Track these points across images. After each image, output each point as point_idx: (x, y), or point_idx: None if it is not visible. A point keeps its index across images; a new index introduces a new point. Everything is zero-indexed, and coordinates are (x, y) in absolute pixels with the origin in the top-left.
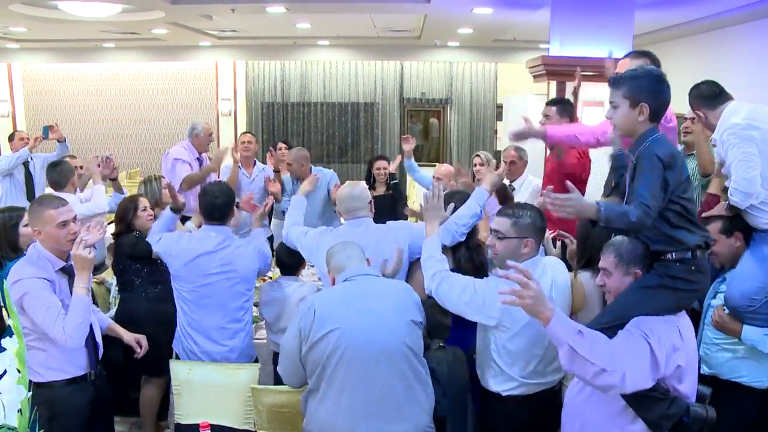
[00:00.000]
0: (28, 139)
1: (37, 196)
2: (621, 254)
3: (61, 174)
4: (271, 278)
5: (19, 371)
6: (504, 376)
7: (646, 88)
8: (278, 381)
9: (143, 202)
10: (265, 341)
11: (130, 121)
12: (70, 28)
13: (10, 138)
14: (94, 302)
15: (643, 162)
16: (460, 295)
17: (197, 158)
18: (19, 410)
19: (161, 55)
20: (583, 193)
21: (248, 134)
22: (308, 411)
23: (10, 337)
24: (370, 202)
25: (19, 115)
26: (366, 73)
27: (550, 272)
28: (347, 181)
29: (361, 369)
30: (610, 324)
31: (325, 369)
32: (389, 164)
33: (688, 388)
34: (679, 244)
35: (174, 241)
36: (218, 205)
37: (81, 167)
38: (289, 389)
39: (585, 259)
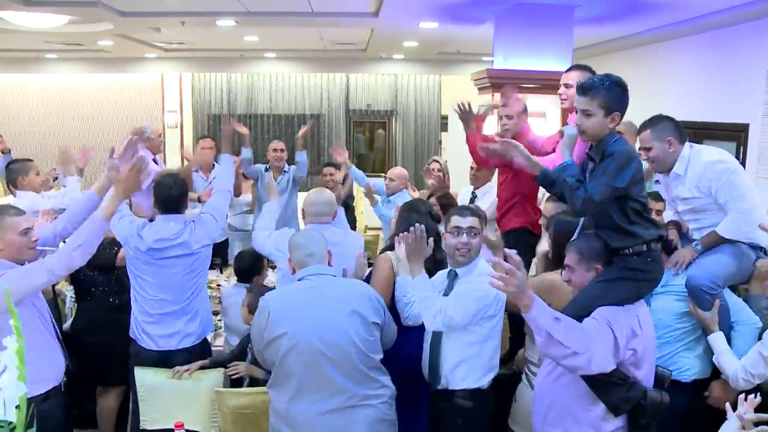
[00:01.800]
0: None
1: None
2: (582, 252)
3: (13, 172)
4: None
5: (18, 369)
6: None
7: (618, 98)
8: (234, 386)
9: None
10: (223, 348)
11: (76, 133)
12: (11, 37)
13: None
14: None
15: (611, 157)
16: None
17: (153, 160)
18: (17, 406)
19: (106, 67)
20: (534, 193)
21: (209, 139)
22: (272, 400)
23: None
24: (335, 211)
25: None
26: (312, 85)
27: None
28: (316, 188)
29: (312, 369)
30: (576, 315)
31: (279, 367)
32: (337, 171)
33: (645, 374)
34: (635, 239)
35: (136, 229)
36: (174, 196)
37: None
38: (252, 391)
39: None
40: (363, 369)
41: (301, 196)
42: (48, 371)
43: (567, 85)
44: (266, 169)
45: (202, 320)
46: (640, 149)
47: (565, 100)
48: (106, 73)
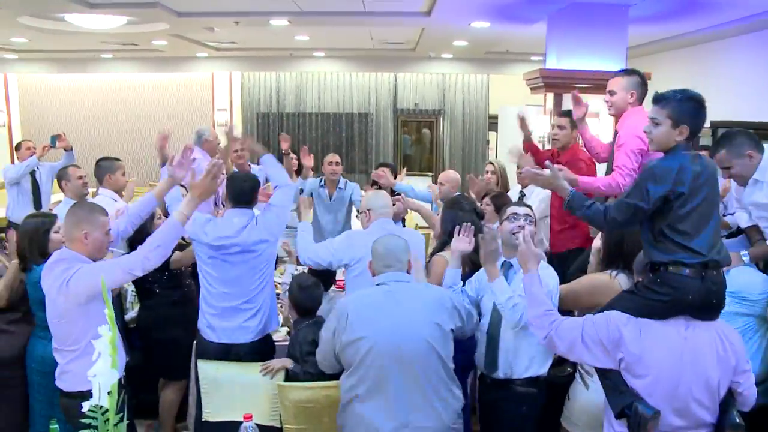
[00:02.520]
0: (34, 148)
1: (43, 204)
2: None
3: (102, 169)
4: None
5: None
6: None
7: (688, 112)
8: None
9: (158, 211)
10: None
11: (126, 132)
12: (71, 38)
13: (17, 147)
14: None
15: (640, 173)
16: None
17: None
18: (109, 392)
19: (158, 66)
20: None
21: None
22: (343, 398)
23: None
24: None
25: (15, 125)
26: (360, 84)
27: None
28: (372, 190)
29: (388, 373)
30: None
31: (357, 370)
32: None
33: (643, 388)
34: (656, 256)
35: (200, 225)
36: (246, 190)
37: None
38: (315, 385)
39: (620, 262)
40: (439, 376)
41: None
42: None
43: (611, 92)
44: (321, 184)
45: (265, 316)
46: (722, 169)
47: (611, 107)
48: (159, 72)
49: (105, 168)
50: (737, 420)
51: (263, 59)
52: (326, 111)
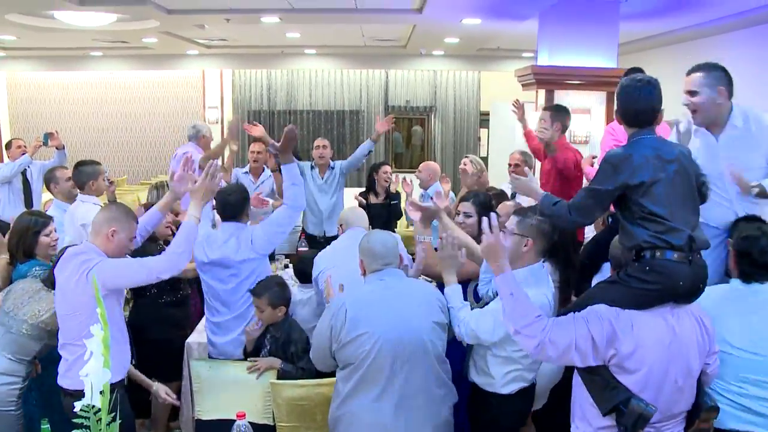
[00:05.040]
0: (25, 147)
1: (34, 203)
2: (614, 256)
3: (83, 175)
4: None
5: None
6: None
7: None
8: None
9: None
10: None
11: (117, 129)
12: (60, 36)
13: (8, 146)
14: None
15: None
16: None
17: None
18: (101, 392)
19: (148, 64)
20: (575, 190)
21: (259, 143)
22: (334, 407)
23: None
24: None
25: (3, 122)
26: (351, 82)
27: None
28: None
29: (390, 369)
30: (573, 310)
31: (357, 369)
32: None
33: (634, 383)
34: (629, 237)
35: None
36: (230, 202)
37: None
38: (308, 383)
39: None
40: (438, 370)
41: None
42: (119, 363)
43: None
44: (312, 167)
45: None
46: (684, 92)
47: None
48: (149, 70)
49: (88, 174)
50: (710, 402)
51: (254, 57)
52: (317, 108)
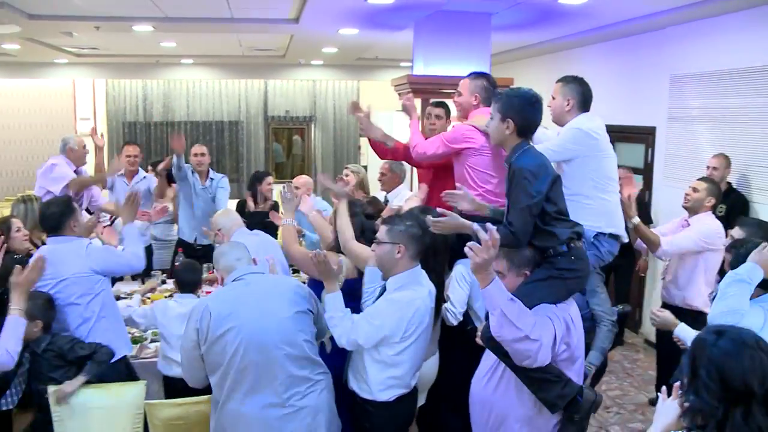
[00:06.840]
0: None
1: None
2: (511, 259)
3: None
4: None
5: None
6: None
7: (513, 107)
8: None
9: (16, 222)
10: (149, 360)
11: None
12: None
13: None
14: None
15: (516, 178)
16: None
17: (75, 171)
18: None
19: (11, 72)
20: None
21: (135, 146)
22: (215, 417)
23: None
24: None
25: None
26: (230, 92)
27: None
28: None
29: (261, 360)
30: None
31: (228, 369)
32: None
33: (577, 371)
34: (553, 238)
35: None
36: (47, 215)
37: None
38: (184, 401)
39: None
40: (311, 356)
41: None
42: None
43: (458, 93)
44: (193, 172)
45: (110, 343)
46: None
47: (458, 107)
48: (12, 78)
49: None
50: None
51: (128, 66)
52: (195, 119)
